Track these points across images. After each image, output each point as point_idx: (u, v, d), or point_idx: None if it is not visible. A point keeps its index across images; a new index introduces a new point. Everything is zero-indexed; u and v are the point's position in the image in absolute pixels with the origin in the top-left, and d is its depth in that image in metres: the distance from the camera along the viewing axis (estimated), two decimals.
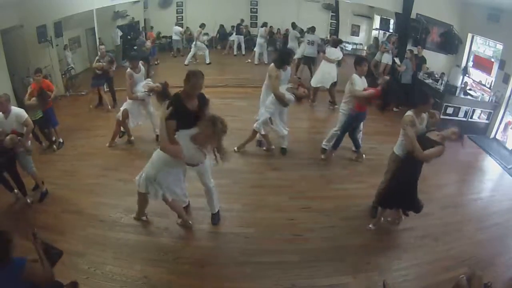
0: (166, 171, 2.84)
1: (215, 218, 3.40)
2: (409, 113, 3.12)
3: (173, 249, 3.08)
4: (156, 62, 9.01)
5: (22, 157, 3.56)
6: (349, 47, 10.05)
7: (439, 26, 6.76)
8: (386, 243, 3.30)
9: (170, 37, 9.93)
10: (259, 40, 8.93)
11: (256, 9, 10.77)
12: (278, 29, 10.47)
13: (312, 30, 7.55)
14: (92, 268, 2.84)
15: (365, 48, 9.57)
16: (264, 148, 4.75)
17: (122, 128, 4.87)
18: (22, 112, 3.73)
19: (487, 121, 5.88)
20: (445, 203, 3.90)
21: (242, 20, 10.01)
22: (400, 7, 6.96)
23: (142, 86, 4.52)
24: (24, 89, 5.73)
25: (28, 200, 3.64)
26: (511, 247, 3.35)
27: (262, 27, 9.11)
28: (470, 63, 6.66)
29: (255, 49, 9.12)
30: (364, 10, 9.84)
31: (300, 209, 3.66)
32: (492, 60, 6.10)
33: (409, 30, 7.06)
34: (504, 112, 5.68)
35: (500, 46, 5.87)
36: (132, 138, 4.94)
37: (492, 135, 5.85)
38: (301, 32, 8.36)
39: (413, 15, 6.89)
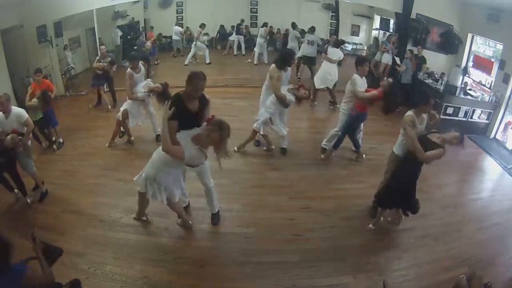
0: (166, 171, 2.84)
1: (215, 218, 3.40)
2: (410, 113, 3.11)
3: (173, 249, 3.08)
4: (156, 62, 9.01)
5: (22, 157, 3.57)
6: (349, 47, 10.05)
7: (439, 26, 6.76)
8: (386, 243, 3.30)
9: (170, 37, 9.93)
10: (259, 40, 8.93)
11: (256, 9, 10.77)
12: (278, 29, 10.47)
13: (312, 30, 7.56)
14: (92, 268, 2.84)
15: (365, 48, 9.57)
16: (264, 148, 4.76)
17: (122, 128, 4.87)
18: (22, 112, 3.74)
19: (487, 121, 5.88)
20: (445, 203, 3.90)
21: (242, 20, 10.01)
22: (400, 7, 6.96)
23: (142, 86, 4.52)
24: (24, 89, 5.74)
25: (28, 200, 3.64)
26: (511, 247, 3.35)
27: (262, 27, 9.11)
28: (470, 63, 6.66)
29: (255, 49, 9.13)
30: (364, 10, 9.84)
31: (300, 209, 3.66)
32: (492, 60, 6.10)
33: (409, 30, 7.06)
34: (504, 112, 5.68)
35: (500, 46, 5.87)
36: (132, 138, 4.94)
37: (492, 135, 5.85)
38: (302, 32, 8.36)
39: (413, 15, 6.89)
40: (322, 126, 5.79)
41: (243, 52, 9.87)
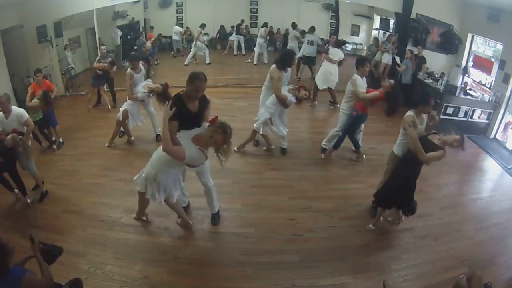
0: (166, 171, 2.84)
1: (215, 218, 3.40)
2: (410, 113, 3.11)
3: (173, 249, 3.08)
4: (156, 62, 9.02)
5: (22, 157, 3.57)
6: (349, 47, 10.05)
7: (439, 26, 6.76)
8: (386, 243, 3.30)
9: (170, 37, 9.93)
10: (259, 40, 8.93)
11: (256, 9, 10.76)
12: (278, 29, 10.47)
13: (312, 30, 7.56)
14: (92, 268, 2.84)
15: (365, 48, 9.57)
16: (264, 148, 4.76)
17: (121, 128, 4.88)
18: (23, 112, 3.75)
19: (487, 121, 5.87)
20: (445, 203, 3.90)
21: (243, 20, 10.01)
22: (400, 7, 6.96)
23: (143, 87, 4.52)
24: (24, 89, 5.75)
25: (28, 200, 3.63)
26: (511, 247, 3.35)
27: (262, 27, 9.11)
28: (470, 63, 6.66)
29: (255, 49, 9.13)
30: (364, 10, 9.83)
31: (300, 209, 3.66)
32: (492, 60, 6.10)
33: (409, 30, 7.05)
34: (504, 112, 5.67)
35: (500, 46, 5.87)
36: (132, 138, 4.95)
37: (492, 135, 5.84)
38: (302, 33, 8.36)
39: (413, 15, 6.89)
40: (322, 126, 5.79)
41: (243, 52, 9.87)
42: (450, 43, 6.68)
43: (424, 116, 3.20)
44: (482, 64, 6.36)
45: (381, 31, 9.20)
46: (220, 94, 6.75)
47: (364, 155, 4.65)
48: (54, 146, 4.80)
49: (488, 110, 5.80)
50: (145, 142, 4.98)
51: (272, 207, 3.68)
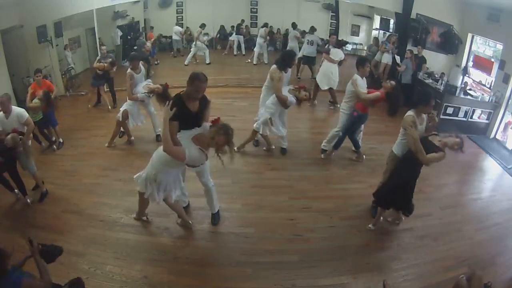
0: (166, 171, 2.84)
1: (215, 218, 3.40)
2: (410, 113, 3.09)
3: (173, 249, 3.08)
4: (156, 62, 9.01)
5: (22, 157, 3.57)
6: (349, 47, 10.04)
7: (439, 26, 6.76)
8: (386, 243, 3.30)
9: (170, 37, 9.93)
10: (259, 40, 8.93)
11: (256, 9, 10.74)
12: (278, 29, 10.47)
13: (312, 30, 7.56)
14: (92, 268, 2.84)
15: (365, 48, 9.57)
16: (264, 148, 4.76)
17: (122, 128, 4.87)
18: (23, 112, 3.75)
19: (487, 121, 5.88)
20: (445, 203, 3.90)
21: (243, 21, 10.00)
22: (400, 7, 6.96)
23: (143, 87, 4.52)
24: (24, 89, 5.75)
25: (28, 200, 3.64)
26: (511, 247, 3.35)
27: (262, 27, 9.11)
28: (470, 63, 6.66)
29: (255, 49, 9.13)
30: (364, 10, 9.83)
31: (300, 209, 3.66)
32: (492, 60, 6.10)
33: (409, 30, 7.05)
34: (504, 112, 5.67)
35: (500, 46, 5.87)
36: (132, 138, 4.95)
37: (492, 135, 5.84)
38: (303, 33, 8.35)
39: (413, 15, 6.89)
40: (322, 126, 5.79)
41: (243, 52, 9.86)
42: (450, 43, 6.68)
43: (424, 116, 3.19)
44: (482, 64, 6.37)
45: (381, 31, 9.19)
46: (220, 94, 6.75)
47: (364, 155, 4.65)
48: (54, 146, 4.80)
49: (488, 110, 5.80)
50: (145, 142, 4.99)
51: (272, 207, 3.68)
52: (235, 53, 9.97)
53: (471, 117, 5.84)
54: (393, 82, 4.07)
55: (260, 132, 4.44)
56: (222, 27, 10.58)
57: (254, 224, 3.41)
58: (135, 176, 3.04)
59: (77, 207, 3.60)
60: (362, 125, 4.54)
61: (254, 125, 4.44)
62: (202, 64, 8.69)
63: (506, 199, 4.13)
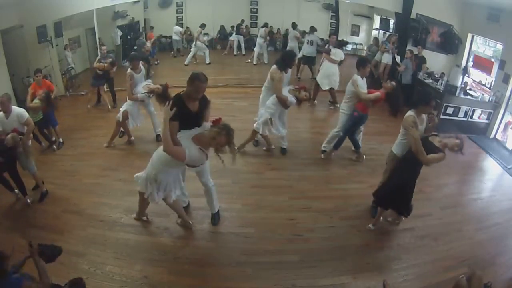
0: (166, 171, 2.84)
1: (215, 218, 3.40)
2: (411, 113, 3.08)
3: (173, 249, 3.08)
4: (156, 62, 9.02)
5: (22, 157, 3.56)
6: (349, 47, 10.04)
7: (439, 26, 6.76)
8: (386, 243, 3.30)
9: (170, 37, 9.94)
10: (259, 40, 8.93)
11: (256, 9, 10.75)
12: (278, 29, 10.47)
13: (312, 30, 7.57)
14: (92, 268, 2.84)
15: (365, 48, 9.58)
16: (264, 148, 4.76)
17: (121, 128, 4.87)
18: (23, 111, 3.75)
19: (487, 121, 5.88)
20: (445, 203, 3.90)
21: (243, 20, 10.00)
22: (400, 7, 6.96)
23: (143, 87, 4.52)
24: (24, 89, 5.75)
25: (28, 200, 3.63)
26: (511, 247, 3.35)
27: (262, 27, 9.11)
28: (470, 63, 6.66)
29: (255, 49, 9.13)
30: (364, 10, 9.83)
31: (300, 209, 3.66)
32: (492, 60, 6.10)
33: (409, 30, 7.05)
34: (504, 112, 5.67)
35: (500, 46, 5.87)
36: (132, 138, 4.94)
37: (492, 135, 5.84)
38: (303, 33, 8.35)
39: (413, 15, 6.89)
40: (322, 126, 5.79)
41: (243, 52, 9.86)
42: (450, 43, 6.68)
43: (424, 116, 3.19)
44: (482, 64, 6.37)
45: (381, 31, 9.20)
46: (220, 94, 6.75)
47: (364, 155, 4.65)
48: (54, 146, 4.80)
49: (488, 110, 5.80)
50: (145, 142, 4.98)
51: (272, 207, 3.68)
52: (235, 53, 9.98)
53: (471, 117, 5.84)
54: (393, 83, 4.07)
55: (260, 132, 4.44)
56: (222, 27, 10.58)
57: (254, 224, 3.41)
58: (135, 176, 3.04)
59: (77, 207, 3.60)
60: (362, 125, 4.54)
61: (254, 125, 4.44)
62: (202, 64, 8.70)
63: (506, 199, 4.13)
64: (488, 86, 6.13)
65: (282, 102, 4.19)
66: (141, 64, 4.70)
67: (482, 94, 6.01)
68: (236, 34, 9.87)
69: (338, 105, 5.61)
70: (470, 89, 6.28)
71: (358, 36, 10.32)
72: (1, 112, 3.64)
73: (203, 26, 8.75)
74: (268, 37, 9.32)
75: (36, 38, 6.36)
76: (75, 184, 4.02)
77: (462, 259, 3.09)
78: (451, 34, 6.61)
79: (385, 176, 3.41)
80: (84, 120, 5.82)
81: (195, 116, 2.80)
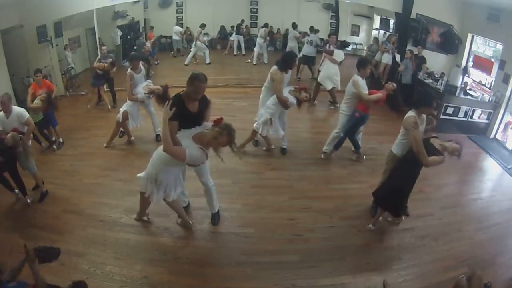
0: (166, 170, 2.84)
1: (215, 218, 3.40)
2: (412, 113, 3.07)
3: (173, 249, 3.08)
4: (156, 62, 9.02)
5: (22, 157, 3.56)
6: (349, 47, 10.05)
7: (439, 26, 6.76)
8: (386, 243, 3.30)
9: (170, 37, 9.94)
10: (259, 40, 8.93)
11: (256, 9, 10.75)
12: (278, 29, 10.48)
13: (312, 30, 7.56)
14: (92, 268, 2.84)
15: (365, 48, 9.58)
16: (264, 148, 4.76)
17: (121, 128, 4.87)
18: (23, 111, 3.76)
19: (487, 121, 5.88)
20: (445, 203, 3.90)
21: (243, 20, 10.01)
22: (400, 7, 6.96)
23: (143, 88, 4.51)
24: (24, 89, 5.75)
25: (28, 200, 3.63)
26: (511, 247, 3.35)
27: (262, 27, 9.11)
28: (470, 63, 6.66)
29: (254, 49, 9.13)
30: (364, 10, 9.84)
31: (300, 209, 3.66)
32: (492, 60, 6.10)
33: (409, 30, 7.05)
34: (504, 112, 5.68)
35: (500, 46, 5.87)
36: (132, 138, 4.94)
37: (492, 135, 5.85)
38: (304, 34, 8.35)
39: (413, 15, 6.89)
40: (322, 126, 5.80)
41: (243, 52, 9.86)
42: (450, 43, 6.68)
43: (424, 116, 3.19)
44: (482, 64, 6.37)
45: (381, 31, 9.20)
46: (220, 94, 6.75)
47: (364, 155, 4.65)
48: (54, 146, 4.80)
49: (488, 110, 5.81)
50: (145, 142, 4.98)
51: (272, 207, 3.68)
52: (235, 53, 9.98)
53: (471, 117, 5.85)
54: (394, 84, 4.08)
55: (260, 132, 4.44)
56: (222, 27, 10.59)
57: (254, 224, 3.41)
58: (138, 176, 3.04)
59: (77, 207, 3.60)
60: (362, 125, 4.53)
61: (254, 125, 4.44)
62: (202, 64, 8.70)
63: (506, 199, 4.13)
64: (488, 86, 6.13)
65: (283, 103, 4.18)
66: (141, 64, 4.69)
67: (482, 94, 6.01)
68: (236, 34, 9.87)
69: (338, 105, 5.60)
70: (470, 89, 6.28)
71: (358, 36, 10.34)
72: (2, 112, 3.64)
73: (203, 26, 8.75)
74: (268, 37, 9.32)
75: (36, 38, 6.36)
76: (75, 184, 4.02)
77: (462, 259, 3.09)
78: (451, 34, 6.61)
79: (385, 176, 3.41)
80: (84, 120, 5.82)
81: (195, 116, 2.80)
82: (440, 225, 3.53)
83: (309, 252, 3.10)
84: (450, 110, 5.79)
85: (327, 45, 6.55)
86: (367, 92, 4.09)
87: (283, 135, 4.56)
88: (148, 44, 8.20)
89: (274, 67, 4.22)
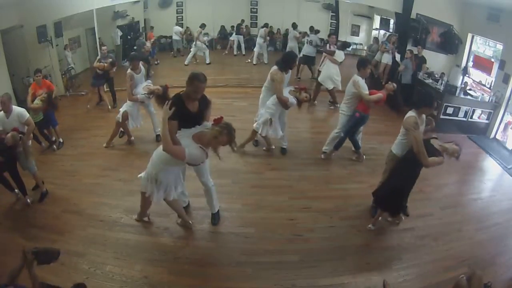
0: (167, 170, 2.84)
1: (215, 218, 3.40)
2: (412, 114, 3.07)
3: (173, 249, 3.08)
4: (156, 62, 9.02)
5: (22, 157, 3.56)
6: (349, 47, 10.05)
7: (439, 26, 6.76)
8: (386, 243, 3.30)
9: (170, 37, 9.94)
10: (258, 40, 8.93)
11: (256, 9, 10.76)
12: (278, 29, 10.48)
13: (311, 30, 7.56)
14: (92, 268, 2.84)
15: (365, 48, 9.58)
16: (264, 148, 4.76)
17: (121, 129, 4.87)
18: (23, 111, 3.76)
19: (487, 121, 5.88)
20: (445, 203, 3.90)
21: (243, 20, 10.01)
22: (400, 7, 6.96)
23: (143, 88, 4.51)
24: (24, 89, 5.75)
25: (28, 200, 3.63)
26: (511, 247, 3.35)
27: (262, 27, 9.11)
28: (470, 63, 6.66)
29: (254, 49, 9.13)
30: (364, 10, 9.84)
31: (300, 209, 3.66)
32: (492, 60, 6.10)
33: (409, 30, 7.06)
34: (504, 112, 5.68)
35: (500, 46, 5.87)
36: (132, 138, 4.94)
37: (492, 135, 5.85)
38: (304, 34, 8.36)
39: (413, 15, 6.89)
40: (322, 126, 5.80)
41: (243, 52, 9.87)
42: (450, 43, 6.68)
43: (424, 116, 3.19)
44: (482, 64, 6.37)
45: (381, 31, 9.21)
46: (220, 94, 6.75)
47: (364, 155, 4.65)
48: (54, 146, 4.80)
49: (488, 110, 5.81)
50: (145, 142, 4.98)
51: (272, 207, 3.68)
52: (235, 53, 9.98)
53: (471, 117, 5.85)
54: (395, 84, 4.08)
55: (260, 132, 4.44)
56: (222, 27, 10.59)
57: (254, 224, 3.41)
58: (139, 176, 3.04)
59: (77, 207, 3.60)
60: (362, 125, 4.53)
61: (254, 125, 4.44)
62: (202, 64, 8.70)
63: (506, 199, 4.13)
64: (488, 86, 6.13)
65: (283, 103, 4.18)
66: (141, 64, 4.69)
67: (482, 94, 6.01)
68: (236, 34, 9.87)
69: (338, 105, 5.60)
70: (470, 89, 6.28)
71: (358, 36, 10.34)
72: (2, 112, 3.64)
73: (203, 26, 8.75)
74: (268, 37, 9.32)
75: (36, 38, 6.36)
76: (75, 184, 4.02)
77: (462, 259, 3.09)
78: (451, 34, 6.61)
79: (385, 176, 3.41)
80: (84, 120, 5.82)
81: (195, 116, 2.80)
82: (440, 225, 3.53)
83: (309, 252, 3.10)
84: (450, 110, 5.79)
85: (328, 45, 6.55)
86: (367, 92, 4.09)
87: (282, 135, 4.56)
88: (148, 44, 8.20)
89: (274, 67, 4.22)
